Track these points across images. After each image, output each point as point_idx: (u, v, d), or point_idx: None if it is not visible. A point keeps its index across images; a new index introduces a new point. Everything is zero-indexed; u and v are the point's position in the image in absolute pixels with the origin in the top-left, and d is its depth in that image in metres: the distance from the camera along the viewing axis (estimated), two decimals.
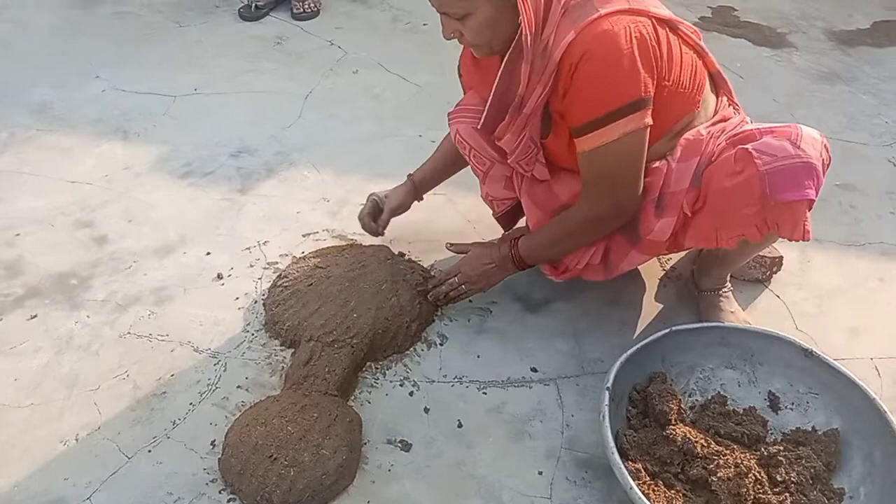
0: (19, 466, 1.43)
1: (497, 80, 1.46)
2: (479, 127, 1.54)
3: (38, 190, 2.19)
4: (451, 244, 1.79)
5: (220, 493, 1.38)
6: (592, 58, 1.33)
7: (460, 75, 1.72)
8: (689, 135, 1.49)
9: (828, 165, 1.41)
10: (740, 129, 1.49)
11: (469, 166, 1.77)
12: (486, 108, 1.50)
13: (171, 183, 2.23)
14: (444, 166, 1.87)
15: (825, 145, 1.41)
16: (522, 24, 1.34)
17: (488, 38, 1.40)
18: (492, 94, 1.47)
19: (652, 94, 1.37)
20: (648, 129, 1.40)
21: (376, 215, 1.87)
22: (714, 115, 1.54)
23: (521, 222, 1.86)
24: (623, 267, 1.62)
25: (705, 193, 1.45)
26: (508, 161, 1.59)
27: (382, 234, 1.88)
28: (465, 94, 1.71)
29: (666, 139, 1.49)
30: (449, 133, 1.80)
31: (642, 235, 1.53)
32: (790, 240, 1.43)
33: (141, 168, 2.30)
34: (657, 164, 1.49)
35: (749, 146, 1.38)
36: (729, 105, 1.59)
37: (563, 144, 1.50)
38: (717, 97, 1.57)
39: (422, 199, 1.90)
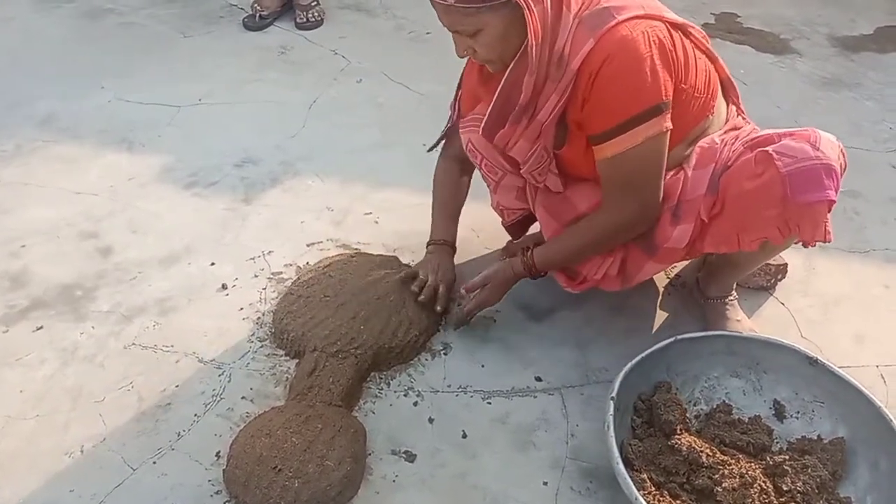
0: (25, 478, 1.43)
1: (499, 89, 1.45)
2: (480, 132, 1.54)
3: (44, 201, 2.20)
4: (466, 287, 1.70)
5: None
6: (613, 63, 1.34)
7: (458, 91, 1.71)
8: (703, 142, 1.50)
9: (844, 170, 1.42)
10: (756, 135, 1.49)
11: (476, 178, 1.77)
12: (487, 114, 1.50)
13: (176, 193, 2.24)
14: (457, 212, 1.85)
15: (842, 150, 1.42)
16: (528, 35, 1.34)
17: (500, 53, 1.40)
18: (493, 101, 1.47)
19: (671, 97, 1.38)
20: (668, 134, 1.41)
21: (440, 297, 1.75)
22: (725, 124, 1.56)
23: (532, 229, 1.86)
24: (640, 277, 1.62)
25: (723, 198, 1.45)
26: (521, 171, 1.59)
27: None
28: (455, 107, 1.72)
29: (682, 146, 1.50)
30: (437, 179, 1.83)
31: (659, 244, 1.53)
32: (811, 242, 1.43)
33: (145, 178, 2.30)
34: (674, 173, 1.50)
35: (769, 148, 1.39)
36: (738, 114, 1.60)
37: (579, 154, 1.50)
38: (727, 105, 1.58)
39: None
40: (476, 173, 1.81)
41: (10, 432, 1.52)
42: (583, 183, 1.58)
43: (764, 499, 1.32)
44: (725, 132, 1.53)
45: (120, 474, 1.44)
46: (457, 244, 1.85)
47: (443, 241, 1.81)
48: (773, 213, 1.39)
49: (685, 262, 1.94)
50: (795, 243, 1.51)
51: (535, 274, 1.64)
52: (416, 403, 1.60)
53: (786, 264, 1.89)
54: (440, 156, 1.85)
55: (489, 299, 1.70)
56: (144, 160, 2.39)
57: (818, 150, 1.36)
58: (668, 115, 1.39)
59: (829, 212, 1.39)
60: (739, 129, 1.55)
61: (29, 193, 2.24)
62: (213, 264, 1.96)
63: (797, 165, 1.36)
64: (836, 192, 1.37)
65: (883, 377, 1.66)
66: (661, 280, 1.91)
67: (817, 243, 1.44)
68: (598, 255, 1.60)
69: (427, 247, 1.83)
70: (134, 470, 1.45)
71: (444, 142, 1.85)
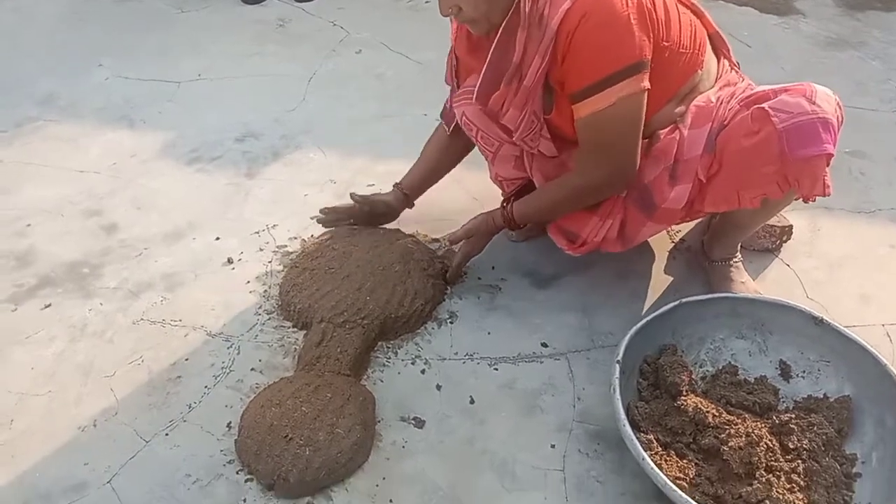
0: (40, 453, 1.45)
1: (492, 49, 1.44)
2: (473, 99, 1.54)
3: (47, 180, 2.21)
4: (450, 239, 1.77)
5: (237, 473, 1.40)
6: (589, 21, 1.33)
7: (454, 64, 1.69)
8: (698, 101, 1.49)
9: (841, 123, 1.41)
10: (752, 91, 1.48)
11: (474, 149, 1.78)
12: (480, 77, 1.49)
13: (178, 169, 2.24)
14: (431, 174, 1.87)
15: (838, 103, 1.41)
16: None
17: (486, 11, 1.39)
18: (486, 63, 1.47)
19: (649, 57, 1.37)
20: (646, 94, 1.40)
21: (355, 216, 1.89)
22: (718, 80, 1.54)
23: None
24: (640, 238, 1.63)
25: (720, 157, 1.45)
26: (514, 138, 1.58)
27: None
28: (451, 83, 1.71)
29: (673, 104, 1.49)
30: (431, 138, 1.85)
31: (658, 204, 1.53)
32: (810, 197, 1.42)
33: (147, 155, 2.30)
34: (669, 132, 1.49)
35: (765, 105, 1.39)
36: (731, 68, 1.59)
37: (567, 119, 1.49)
38: (718, 60, 1.57)
39: (412, 206, 1.90)
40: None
41: (23, 409, 1.54)
42: (576, 146, 1.58)
43: (770, 457, 1.33)
44: (720, 89, 1.52)
45: (133, 447, 1.45)
46: (459, 212, 1.85)
47: (402, 187, 1.86)
48: (771, 169, 1.39)
49: (690, 227, 1.94)
50: (795, 199, 1.51)
51: (514, 226, 1.70)
52: (423, 371, 1.61)
53: (791, 226, 1.89)
54: (440, 121, 1.85)
55: (473, 250, 1.77)
56: (145, 137, 2.39)
57: (814, 104, 1.36)
58: (646, 76, 1.37)
59: (827, 166, 1.39)
60: (734, 85, 1.54)
61: (31, 173, 2.24)
62: (217, 239, 1.97)
63: (794, 121, 1.35)
64: (834, 146, 1.37)
65: (889, 336, 1.67)
66: (665, 244, 1.91)
67: (817, 199, 1.43)
68: (572, 212, 1.62)
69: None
70: (147, 442, 1.46)
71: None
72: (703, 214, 1.67)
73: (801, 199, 1.47)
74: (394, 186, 1.88)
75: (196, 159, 2.27)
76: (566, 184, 1.56)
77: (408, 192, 1.86)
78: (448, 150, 1.84)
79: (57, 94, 2.60)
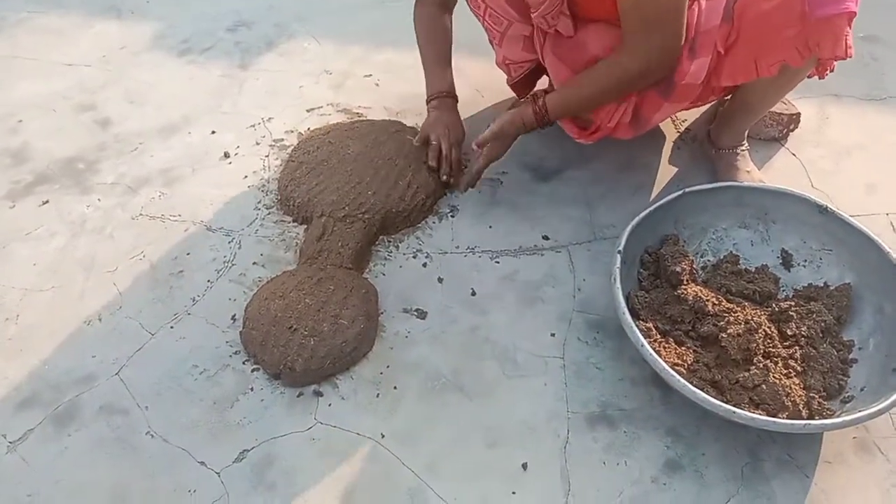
0: (48, 346, 1.47)
1: None
2: None
3: (36, 74, 2.15)
4: (478, 142, 1.62)
5: (244, 363, 1.43)
6: None
7: None
8: None
9: None
10: None
11: (478, 38, 1.69)
12: None
13: (170, 61, 2.18)
14: (447, 61, 1.76)
15: None
16: None
17: None
18: None
19: None
20: None
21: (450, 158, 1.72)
22: None
23: (539, 86, 1.80)
24: (655, 121, 1.58)
25: (738, 26, 1.40)
26: (532, 15, 1.50)
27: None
28: None
29: None
30: (422, 24, 1.73)
31: (676, 81, 1.48)
32: (830, 58, 1.39)
33: (138, 47, 2.23)
34: (688, 5, 1.43)
35: None
36: None
37: None
38: None
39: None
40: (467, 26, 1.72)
41: (28, 304, 1.55)
42: (594, 24, 1.50)
43: (768, 343, 1.35)
44: None
45: (139, 339, 1.47)
46: (461, 105, 1.79)
47: (445, 92, 1.74)
48: (792, 32, 1.35)
49: (695, 115, 1.89)
50: (810, 76, 1.47)
51: (548, 124, 1.57)
52: (425, 265, 1.61)
53: (798, 114, 1.84)
54: (417, 3, 1.74)
55: (496, 153, 1.65)
56: (135, 28, 2.31)
57: None
58: None
59: (849, 25, 1.35)
60: None
61: (19, 67, 2.18)
62: (213, 133, 1.93)
63: None
64: (856, 4, 1.32)
65: (892, 224, 1.66)
66: (670, 135, 1.87)
67: (827, 79, 1.40)
68: (612, 103, 1.54)
69: (428, 103, 1.75)
70: (152, 335, 1.48)
71: None
72: (718, 92, 1.60)
73: (815, 77, 1.43)
74: (439, 98, 1.72)
75: (187, 50, 2.20)
76: (614, 69, 1.45)
77: (453, 93, 1.76)
78: (444, 24, 1.73)
79: None
